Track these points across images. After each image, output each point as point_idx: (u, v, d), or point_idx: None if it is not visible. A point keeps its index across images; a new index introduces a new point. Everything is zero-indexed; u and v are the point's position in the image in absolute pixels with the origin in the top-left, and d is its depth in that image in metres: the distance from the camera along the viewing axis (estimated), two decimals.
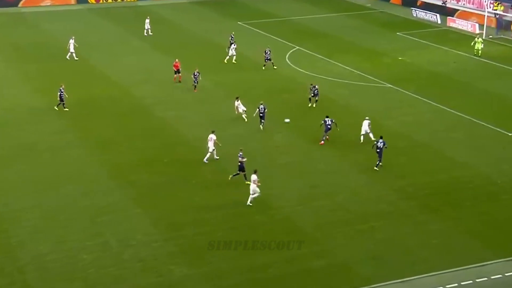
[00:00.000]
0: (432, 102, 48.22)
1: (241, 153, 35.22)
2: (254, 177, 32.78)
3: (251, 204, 32.95)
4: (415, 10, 78.89)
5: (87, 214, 32.41)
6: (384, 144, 36.93)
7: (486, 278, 27.44)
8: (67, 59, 58.11)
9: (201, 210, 32.93)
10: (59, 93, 45.53)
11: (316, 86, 46.83)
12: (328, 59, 59.30)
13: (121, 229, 31.06)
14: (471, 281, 27.26)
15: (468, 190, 35.07)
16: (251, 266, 28.39)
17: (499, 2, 72.79)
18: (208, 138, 37.90)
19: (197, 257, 28.89)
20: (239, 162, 35.03)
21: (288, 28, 72.09)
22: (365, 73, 55.16)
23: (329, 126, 40.53)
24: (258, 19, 75.93)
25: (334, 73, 55.28)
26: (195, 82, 49.82)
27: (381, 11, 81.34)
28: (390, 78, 53.91)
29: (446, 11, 77.06)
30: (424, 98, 49.00)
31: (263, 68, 55.67)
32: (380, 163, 37.10)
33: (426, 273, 27.74)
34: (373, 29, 72.12)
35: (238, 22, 74.32)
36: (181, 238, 30.50)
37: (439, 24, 74.32)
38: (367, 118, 41.30)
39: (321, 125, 40.69)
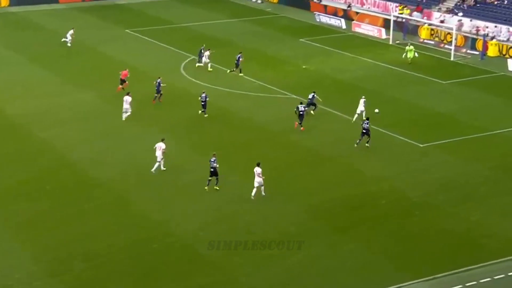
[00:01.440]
0: (337, 112, 49.09)
1: (214, 158, 36.04)
2: (258, 169, 35.12)
3: (264, 194, 35.54)
4: (319, 15, 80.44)
5: None
6: (368, 124, 41.81)
7: None
8: None
9: (91, 240, 31.93)
10: None
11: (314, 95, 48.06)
12: (226, 68, 59.34)
13: None
14: None
15: (380, 206, 35.71)
16: None
17: (405, 6, 75.41)
18: (156, 146, 38.03)
19: None
20: (212, 167, 35.95)
21: (182, 35, 71.80)
22: (266, 83, 55.52)
23: (301, 113, 44.35)
24: (148, 26, 75.21)
25: (233, 83, 55.33)
26: (158, 92, 49.52)
27: (282, 16, 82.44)
28: (293, 87, 54.50)
29: (350, 16, 79.00)
30: (329, 108, 49.71)
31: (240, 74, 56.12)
32: (367, 144, 42.06)
33: None
34: (274, 35, 72.93)
35: (126, 30, 73.33)
36: (68, 273, 29.40)
37: (344, 29, 76.06)
38: (363, 96, 46.22)
39: (295, 112, 44.74)
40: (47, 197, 36.15)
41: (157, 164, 38.17)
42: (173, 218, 34.00)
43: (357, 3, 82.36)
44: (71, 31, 65.27)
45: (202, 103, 46.87)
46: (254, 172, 35.43)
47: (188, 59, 61.99)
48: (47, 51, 64.37)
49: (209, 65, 58.19)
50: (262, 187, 35.62)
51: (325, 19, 79.35)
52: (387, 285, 28.72)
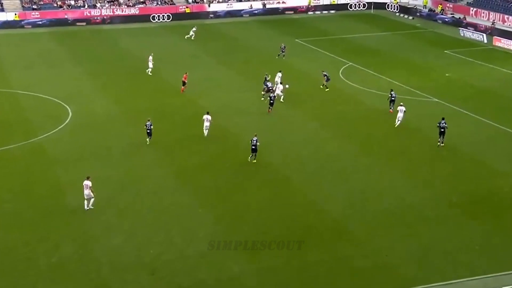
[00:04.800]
0: (474, 115, 47.28)
1: (256, 138, 37.50)
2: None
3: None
4: (463, 30, 77.44)
5: None
6: (446, 124, 39.89)
7: None
8: None
9: (254, 211, 32.84)
10: None
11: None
12: (378, 75, 58.75)
13: None
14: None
15: (508, 199, 34.21)
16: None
17: None
18: (204, 118, 41.53)
19: None
20: (253, 145, 37.49)
21: (342, 45, 71.54)
22: (413, 88, 54.37)
23: (393, 99, 46.11)
24: (314, 37, 75.66)
25: (383, 87, 54.50)
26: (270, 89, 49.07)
27: (430, 31, 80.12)
28: (436, 92, 53.02)
29: (491, 31, 75.35)
30: (467, 111, 48.05)
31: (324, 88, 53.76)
32: (442, 143, 40.18)
33: (469, 277, 27.19)
34: (422, 47, 71.02)
35: (296, 40, 74.17)
36: (238, 235, 30.33)
37: (485, 43, 72.74)
38: (401, 104, 44.25)
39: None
40: (226, 172, 37.45)
41: (205, 131, 41.58)
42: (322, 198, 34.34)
43: (500, 20, 78.44)
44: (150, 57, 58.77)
45: (148, 131, 40.97)
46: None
47: (346, 65, 61.92)
48: (233, 56, 66.15)
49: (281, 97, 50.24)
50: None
51: (468, 33, 76.22)
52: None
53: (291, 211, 32.76)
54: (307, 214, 32.43)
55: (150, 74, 57.88)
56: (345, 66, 61.64)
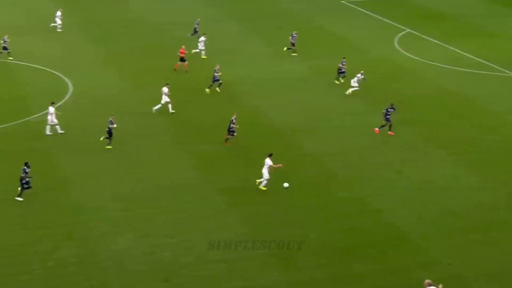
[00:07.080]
0: None
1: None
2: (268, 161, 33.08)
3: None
4: None
5: None
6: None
7: None
8: None
9: (304, 212, 31.58)
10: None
11: None
12: (443, 44, 56.57)
13: None
14: None
15: None
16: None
17: None
18: (162, 90, 41.22)
19: None
20: (108, 127, 37.13)
21: (399, 8, 68.95)
22: (486, 60, 52.01)
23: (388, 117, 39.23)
24: None
25: (448, 59, 52.42)
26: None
27: None
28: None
29: None
30: None
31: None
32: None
33: None
34: (500, 10, 68.19)
35: (342, 1, 71.72)
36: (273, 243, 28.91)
37: None
38: (362, 72, 44.73)
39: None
40: None
41: (159, 105, 41.41)
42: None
43: None
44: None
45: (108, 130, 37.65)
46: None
47: (402, 33, 59.80)
48: (264, 23, 63.15)
49: (203, 52, 51.31)
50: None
51: None
52: None
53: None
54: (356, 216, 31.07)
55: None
56: (401, 34, 59.85)
